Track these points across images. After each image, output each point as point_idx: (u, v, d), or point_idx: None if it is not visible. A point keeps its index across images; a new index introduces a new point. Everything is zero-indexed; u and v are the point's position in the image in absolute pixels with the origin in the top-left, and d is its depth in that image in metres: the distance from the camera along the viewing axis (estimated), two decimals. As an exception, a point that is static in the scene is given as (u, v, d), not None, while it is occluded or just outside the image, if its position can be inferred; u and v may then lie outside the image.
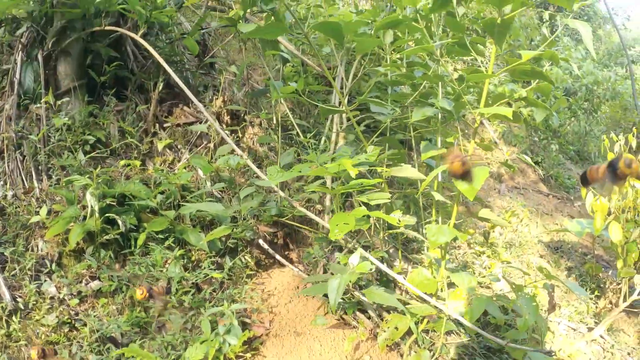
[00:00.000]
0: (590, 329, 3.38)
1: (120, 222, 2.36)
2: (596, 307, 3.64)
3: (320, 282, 1.95)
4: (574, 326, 3.44)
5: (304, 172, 1.90)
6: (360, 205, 2.43)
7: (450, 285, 2.06)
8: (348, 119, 2.77)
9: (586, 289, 3.93)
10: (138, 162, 2.82)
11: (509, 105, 2.06)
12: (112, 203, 2.44)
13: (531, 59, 1.71)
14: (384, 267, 1.77)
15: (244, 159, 2.02)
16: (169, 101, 3.34)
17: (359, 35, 2.39)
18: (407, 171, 2.05)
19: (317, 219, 2.12)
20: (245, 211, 2.31)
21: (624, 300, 3.31)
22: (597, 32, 11.39)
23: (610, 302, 3.68)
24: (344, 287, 1.74)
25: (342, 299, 2.36)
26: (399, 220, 1.59)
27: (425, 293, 1.86)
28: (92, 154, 2.84)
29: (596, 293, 3.77)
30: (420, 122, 2.60)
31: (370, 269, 1.83)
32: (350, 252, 2.40)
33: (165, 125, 3.19)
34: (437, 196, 2.00)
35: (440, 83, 2.30)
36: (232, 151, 2.57)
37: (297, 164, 2.19)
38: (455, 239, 1.82)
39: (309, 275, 2.46)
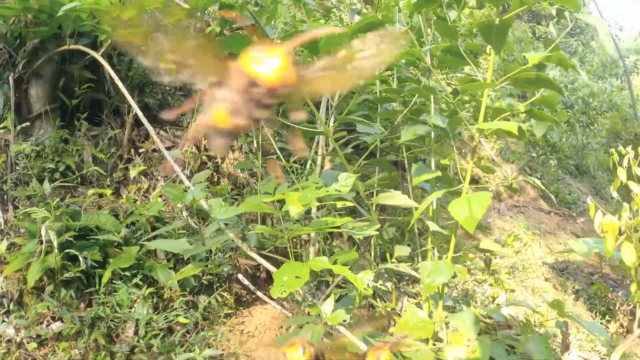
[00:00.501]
0: (603, 358, 3.16)
1: (81, 259, 2.13)
2: (607, 332, 3.42)
3: (297, 328, 1.73)
4: (585, 355, 3.21)
5: (245, 208, 1.67)
6: (350, 236, 2.21)
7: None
8: (336, 140, 2.57)
9: (596, 313, 3.72)
10: (109, 191, 2.60)
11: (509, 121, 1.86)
12: (72, 238, 2.22)
13: (533, 67, 1.52)
14: (344, 330, 1.55)
15: (198, 198, 1.81)
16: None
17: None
18: (397, 198, 1.83)
19: (265, 263, 1.87)
20: (215, 247, 2.09)
21: (639, 325, 3.09)
22: (590, 44, 11.36)
23: (622, 325, 3.47)
24: (317, 340, 1.52)
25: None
26: (368, 286, 1.34)
27: (421, 339, 1.64)
28: (61, 183, 2.62)
29: (607, 317, 3.55)
30: (413, 142, 2.40)
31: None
32: (339, 286, 2.18)
33: (140, 150, 2.99)
34: (433, 226, 1.78)
35: (432, 97, 2.10)
36: (210, 178, 2.36)
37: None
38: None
39: (293, 313, 2.23)
